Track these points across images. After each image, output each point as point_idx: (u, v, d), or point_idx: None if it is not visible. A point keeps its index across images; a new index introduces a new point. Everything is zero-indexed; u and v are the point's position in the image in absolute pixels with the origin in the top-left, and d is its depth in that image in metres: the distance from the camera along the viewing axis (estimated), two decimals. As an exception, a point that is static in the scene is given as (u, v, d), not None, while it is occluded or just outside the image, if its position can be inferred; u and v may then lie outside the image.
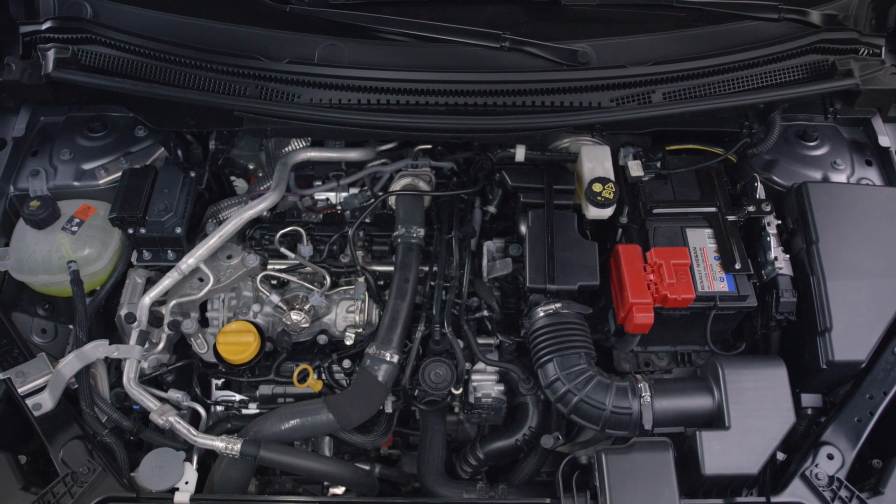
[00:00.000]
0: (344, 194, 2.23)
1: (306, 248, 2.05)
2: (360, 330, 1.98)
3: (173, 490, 1.66)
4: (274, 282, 2.05)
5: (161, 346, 1.96)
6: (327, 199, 2.26)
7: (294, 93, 1.96)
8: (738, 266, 1.84)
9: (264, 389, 1.99)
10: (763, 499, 1.63)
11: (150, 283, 2.02)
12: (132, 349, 1.86)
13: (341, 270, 2.07)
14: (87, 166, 2.10)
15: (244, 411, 2.04)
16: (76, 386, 1.81)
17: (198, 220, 2.13)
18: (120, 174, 2.07)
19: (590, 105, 1.96)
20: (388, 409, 1.98)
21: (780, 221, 1.97)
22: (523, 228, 1.97)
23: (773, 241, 1.93)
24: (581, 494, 1.63)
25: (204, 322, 2.02)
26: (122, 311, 1.94)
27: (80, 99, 2.21)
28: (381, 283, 2.08)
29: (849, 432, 1.73)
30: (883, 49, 2.16)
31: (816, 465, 1.67)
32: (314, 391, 1.93)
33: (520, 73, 1.96)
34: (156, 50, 2.01)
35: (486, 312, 1.98)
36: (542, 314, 1.83)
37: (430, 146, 2.23)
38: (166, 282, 1.92)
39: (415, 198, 2.10)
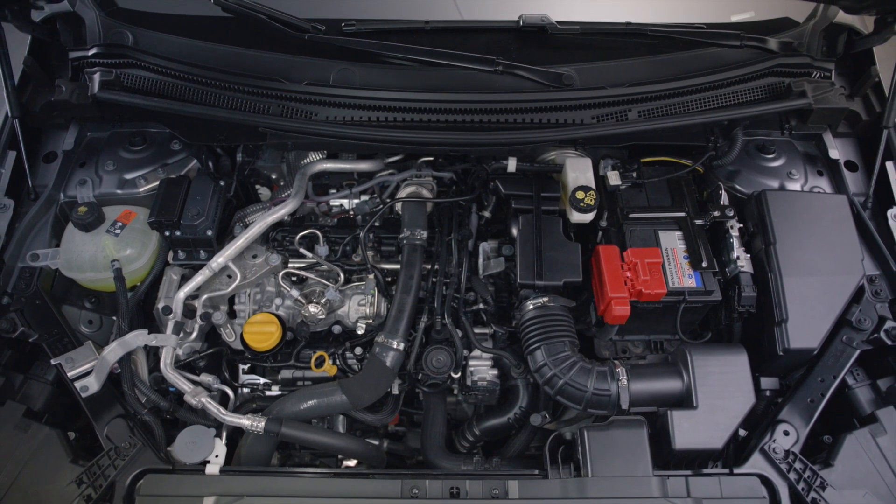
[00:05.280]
0: (356, 201, 2.23)
1: (322, 249, 2.06)
2: (370, 321, 1.98)
3: (205, 463, 1.66)
4: (294, 278, 2.05)
5: (194, 335, 1.96)
6: (341, 205, 2.25)
7: (312, 111, 1.96)
8: (704, 264, 1.84)
9: (285, 374, 1.99)
10: (727, 470, 1.63)
11: (184, 279, 2.01)
12: (168, 338, 1.87)
13: (353, 268, 2.07)
14: (128, 176, 2.10)
15: (268, 393, 2.04)
16: (119, 370, 1.81)
17: (227, 223, 2.12)
18: (158, 183, 2.07)
19: (573, 122, 1.95)
20: (395, 391, 1.98)
21: (741, 225, 1.97)
22: (514, 231, 1.97)
23: (735, 243, 1.93)
24: (566, 466, 1.63)
25: (232, 314, 2.02)
26: (160, 305, 1.94)
27: (123, 116, 2.21)
28: (389, 279, 2.08)
29: (802, 412, 1.73)
30: (833, 72, 2.15)
31: (774, 441, 1.67)
32: (329, 375, 1.93)
33: (511, 93, 1.96)
34: (189, 73, 2.01)
35: (481, 305, 1.98)
36: (531, 307, 1.83)
37: (432, 158, 2.23)
38: (199, 278, 1.92)
39: (418, 204, 2.10)
